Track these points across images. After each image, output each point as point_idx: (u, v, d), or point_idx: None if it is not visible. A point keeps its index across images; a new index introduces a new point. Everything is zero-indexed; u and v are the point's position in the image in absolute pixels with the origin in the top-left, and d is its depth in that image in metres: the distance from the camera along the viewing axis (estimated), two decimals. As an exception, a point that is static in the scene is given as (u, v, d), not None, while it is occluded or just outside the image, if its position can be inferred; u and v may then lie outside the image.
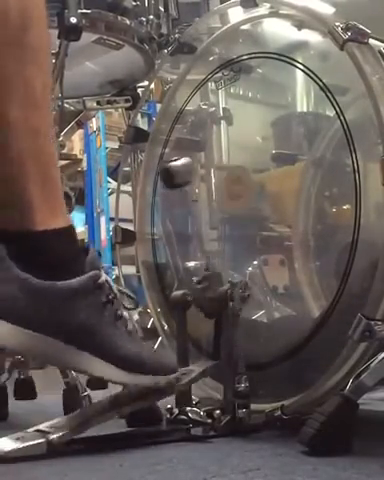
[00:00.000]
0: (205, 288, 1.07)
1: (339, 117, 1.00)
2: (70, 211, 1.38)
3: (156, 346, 1.39)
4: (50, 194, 0.87)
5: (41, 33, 0.86)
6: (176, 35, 1.34)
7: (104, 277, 0.88)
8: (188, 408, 1.00)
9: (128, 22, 1.36)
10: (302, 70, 1.08)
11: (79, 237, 2.98)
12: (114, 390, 0.96)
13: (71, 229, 0.89)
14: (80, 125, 1.64)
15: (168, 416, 0.99)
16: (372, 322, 0.88)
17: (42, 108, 0.86)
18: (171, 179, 1.11)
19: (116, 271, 2.21)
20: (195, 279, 1.08)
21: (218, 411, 0.99)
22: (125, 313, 0.91)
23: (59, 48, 1.28)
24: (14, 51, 0.82)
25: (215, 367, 1.04)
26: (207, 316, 1.08)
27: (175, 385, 0.95)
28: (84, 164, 2.92)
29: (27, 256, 0.83)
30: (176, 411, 0.99)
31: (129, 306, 0.93)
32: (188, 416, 0.99)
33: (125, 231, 1.40)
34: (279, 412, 0.98)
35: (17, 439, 0.84)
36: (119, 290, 0.91)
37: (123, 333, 0.89)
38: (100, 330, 0.86)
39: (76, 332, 0.84)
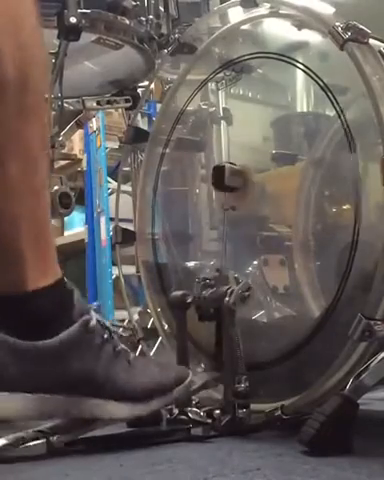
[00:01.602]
0: (207, 288, 1.07)
1: (339, 117, 1.00)
2: (70, 211, 1.38)
3: (156, 346, 1.39)
4: (42, 252, 0.85)
5: (39, 93, 0.85)
6: (176, 35, 1.34)
7: (94, 318, 0.87)
8: (188, 408, 1.00)
9: (128, 22, 1.36)
10: (302, 70, 1.08)
11: (79, 237, 2.97)
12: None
13: (59, 282, 0.87)
14: (80, 125, 1.64)
15: (168, 416, 0.99)
16: (372, 322, 0.88)
17: (40, 168, 0.85)
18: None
19: (116, 271, 2.21)
20: (201, 278, 1.09)
21: (218, 411, 0.99)
22: (122, 346, 0.90)
23: (59, 48, 1.28)
24: (13, 112, 0.81)
25: (216, 379, 1.05)
26: (206, 319, 1.08)
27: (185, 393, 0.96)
28: (84, 164, 2.91)
29: (15, 317, 0.82)
30: (176, 411, 0.99)
31: (123, 334, 0.92)
32: (188, 416, 0.99)
33: (125, 231, 1.40)
34: (279, 412, 0.98)
35: (17, 439, 0.84)
36: (112, 324, 0.91)
37: (124, 367, 0.88)
38: (99, 372, 0.86)
39: (75, 382, 0.84)
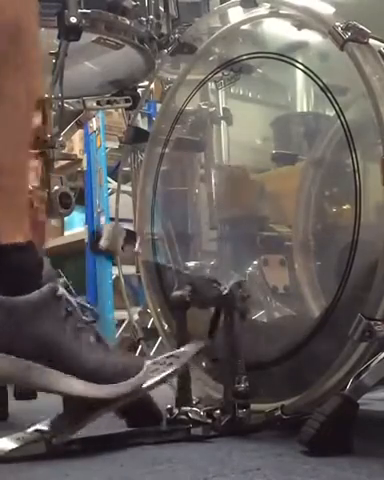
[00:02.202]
0: (207, 288, 1.08)
1: (339, 117, 1.00)
2: (70, 211, 1.38)
3: (156, 346, 1.39)
4: (14, 207, 0.86)
5: (30, 42, 0.85)
6: (176, 35, 1.34)
7: (61, 290, 0.87)
8: (188, 408, 1.00)
9: (128, 22, 1.36)
10: (302, 70, 1.08)
11: (79, 237, 2.96)
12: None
13: (30, 244, 0.87)
14: (80, 125, 1.64)
15: (168, 416, 0.99)
16: (372, 322, 0.88)
17: (23, 122, 0.86)
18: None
19: (116, 271, 2.21)
20: (200, 278, 1.09)
21: (218, 411, 0.99)
22: (85, 325, 0.89)
23: (59, 48, 1.28)
24: (2, 62, 0.82)
25: (209, 348, 1.04)
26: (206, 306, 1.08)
27: (140, 389, 0.93)
28: (84, 164, 2.91)
29: None
30: (176, 411, 0.99)
31: (89, 319, 0.91)
32: (188, 416, 0.99)
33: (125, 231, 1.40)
34: (279, 412, 0.98)
35: (17, 439, 0.85)
36: (78, 303, 0.90)
37: (86, 344, 0.88)
38: (63, 343, 0.85)
39: (39, 347, 0.83)
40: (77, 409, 0.91)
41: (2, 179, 0.84)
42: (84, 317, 0.90)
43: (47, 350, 0.83)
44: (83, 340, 0.88)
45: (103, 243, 1.18)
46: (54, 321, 0.85)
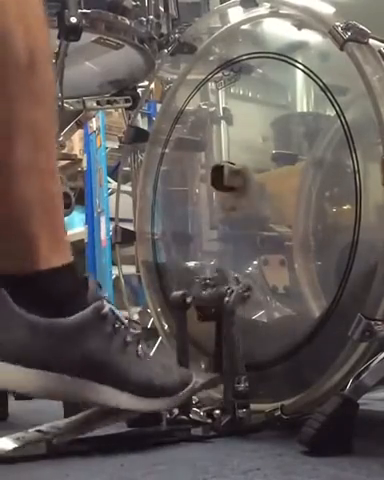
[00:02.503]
0: (207, 288, 1.07)
1: (339, 117, 1.00)
2: (70, 211, 1.38)
3: (156, 346, 1.39)
4: (53, 234, 0.87)
5: (47, 76, 0.87)
6: (176, 35, 1.34)
7: (107, 307, 0.88)
8: (188, 408, 1.00)
9: (128, 22, 1.36)
10: (302, 70, 1.08)
11: (79, 237, 2.97)
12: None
13: (72, 265, 0.89)
14: (80, 125, 1.64)
15: (168, 416, 0.99)
16: (372, 322, 0.88)
17: (48, 149, 0.87)
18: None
19: (116, 271, 2.21)
20: (201, 278, 1.09)
21: (218, 411, 0.99)
22: (133, 338, 0.91)
23: (59, 48, 1.28)
24: (21, 92, 0.83)
25: (216, 380, 1.04)
26: (206, 319, 1.08)
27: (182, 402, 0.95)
28: (84, 164, 2.92)
29: (30, 295, 0.83)
30: (176, 411, 0.99)
31: (136, 332, 0.93)
32: (188, 416, 0.99)
33: (125, 231, 1.40)
34: (279, 412, 0.98)
35: (17, 439, 0.84)
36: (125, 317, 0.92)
37: (133, 359, 0.90)
38: (110, 360, 0.87)
39: (88, 365, 0.85)
40: (82, 416, 0.92)
41: (35, 206, 0.84)
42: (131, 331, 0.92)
43: (93, 367, 0.85)
44: (129, 354, 0.89)
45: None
46: (100, 339, 0.86)
